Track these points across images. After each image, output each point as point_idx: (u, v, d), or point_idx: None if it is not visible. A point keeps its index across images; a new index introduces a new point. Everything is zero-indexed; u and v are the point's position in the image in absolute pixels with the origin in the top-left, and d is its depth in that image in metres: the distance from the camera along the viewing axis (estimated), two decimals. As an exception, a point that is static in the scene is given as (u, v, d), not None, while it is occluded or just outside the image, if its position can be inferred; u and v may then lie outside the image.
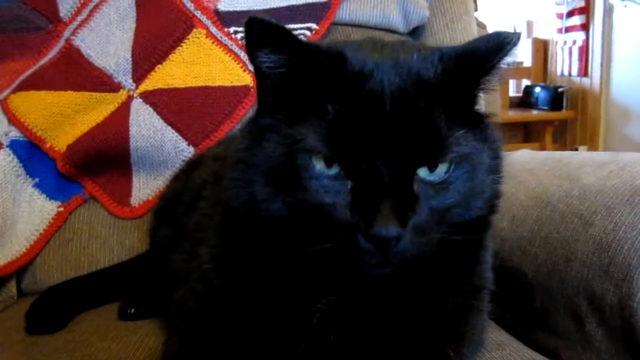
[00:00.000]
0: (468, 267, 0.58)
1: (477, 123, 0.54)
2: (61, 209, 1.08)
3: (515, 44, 0.52)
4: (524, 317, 0.75)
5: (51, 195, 1.09)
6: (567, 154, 0.88)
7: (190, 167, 0.92)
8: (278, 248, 0.53)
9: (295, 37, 0.50)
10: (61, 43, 1.16)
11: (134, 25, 1.16)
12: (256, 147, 0.53)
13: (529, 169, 0.85)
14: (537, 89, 4.22)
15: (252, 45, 0.51)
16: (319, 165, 0.49)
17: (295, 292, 0.54)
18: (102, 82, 1.12)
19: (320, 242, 0.49)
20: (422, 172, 0.50)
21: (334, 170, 0.49)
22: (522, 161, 0.92)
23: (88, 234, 1.08)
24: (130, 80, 1.13)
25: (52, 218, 1.07)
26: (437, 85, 0.50)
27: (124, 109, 1.11)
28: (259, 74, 0.53)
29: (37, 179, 1.09)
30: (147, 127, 1.10)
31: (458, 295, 0.57)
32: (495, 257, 0.65)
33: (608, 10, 3.74)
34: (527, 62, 4.49)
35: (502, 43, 0.51)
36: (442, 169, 0.50)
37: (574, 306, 0.67)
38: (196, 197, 0.77)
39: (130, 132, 1.09)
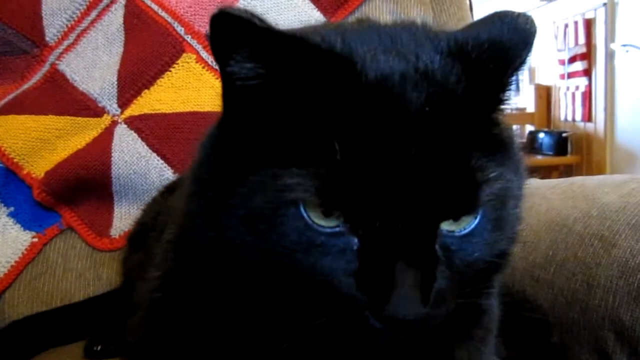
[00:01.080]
0: (477, 314, 0.49)
1: (505, 145, 0.42)
2: (35, 239, 1.00)
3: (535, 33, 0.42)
4: (539, 356, 0.66)
5: (26, 225, 1.02)
6: (579, 178, 0.81)
7: (168, 189, 0.85)
8: (249, 292, 0.42)
9: (285, 35, 0.38)
10: (46, 67, 1.11)
11: (121, 50, 1.11)
12: (225, 184, 0.40)
13: (539, 194, 0.78)
14: (541, 135, 4.19)
15: (222, 49, 0.39)
16: (313, 216, 0.37)
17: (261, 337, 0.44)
18: (86, 107, 1.07)
19: (312, 313, 0.38)
20: (446, 225, 0.39)
21: (333, 222, 0.38)
22: (531, 187, 0.85)
23: (63, 267, 1.00)
24: (115, 105, 1.07)
25: (26, 249, 1.00)
26: (464, 99, 0.39)
27: (107, 134, 1.05)
28: (227, 85, 0.41)
29: (12, 208, 1.02)
30: (131, 154, 1.03)
31: (466, 344, 0.48)
32: (504, 290, 0.57)
33: (610, 56, 3.75)
34: (530, 108, 4.49)
35: (525, 32, 0.41)
36: (470, 217, 0.40)
37: (599, 340, 0.58)
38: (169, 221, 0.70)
39: (112, 159, 1.03)
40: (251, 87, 0.39)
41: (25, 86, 1.10)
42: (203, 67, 1.11)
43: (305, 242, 0.38)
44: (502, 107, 0.42)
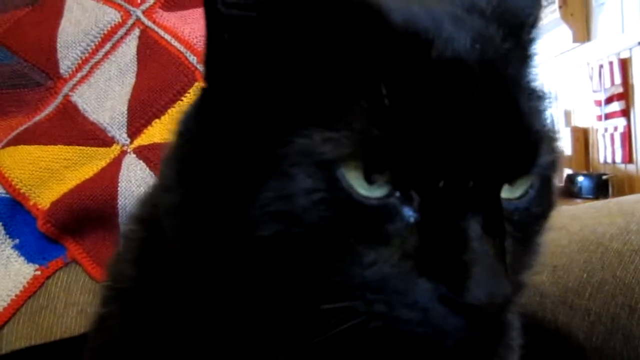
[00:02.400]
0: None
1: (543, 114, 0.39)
2: (38, 272, 0.96)
3: None
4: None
5: (30, 258, 0.98)
6: (614, 200, 0.73)
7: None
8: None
9: None
10: (59, 99, 1.10)
11: (133, 80, 1.10)
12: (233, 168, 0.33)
13: (570, 215, 0.70)
14: (580, 178, 4.04)
15: None
16: (352, 178, 0.30)
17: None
18: (94, 136, 1.05)
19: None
20: (504, 191, 0.34)
21: (381, 189, 0.31)
22: (562, 210, 0.77)
23: (65, 301, 0.95)
24: (125, 135, 1.05)
25: (27, 282, 0.96)
26: (504, 47, 0.35)
27: (115, 164, 1.02)
28: (217, 32, 0.33)
29: (17, 240, 0.99)
30: (138, 184, 1.00)
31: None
32: (534, 319, 0.49)
33: (647, 97, 3.63)
34: (567, 151, 4.36)
35: None
36: (525, 183, 0.36)
37: (646, 373, 0.49)
38: None
39: (118, 189, 0.99)
40: (253, 21, 0.31)
41: (38, 118, 1.09)
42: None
43: (345, 220, 0.30)
44: (532, 71, 0.39)
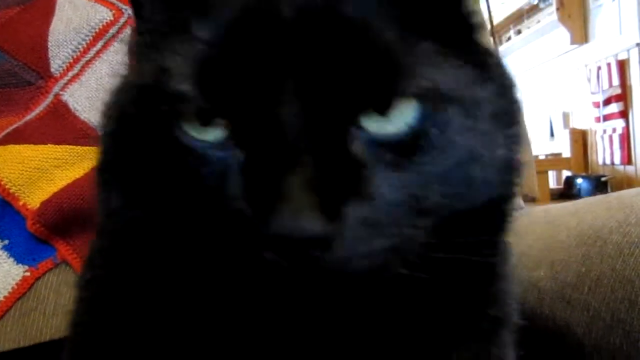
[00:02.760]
0: (479, 292, 0.38)
1: (465, 39, 0.36)
2: (27, 274, 0.95)
3: None
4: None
5: (19, 259, 0.96)
6: (613, 194, 0.71)
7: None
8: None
9: None
10: (49, 98, 1.09)
11: (125, 79, 1.09)
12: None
13: (568, 212, 0.69)
14: (579, 180, 4.03)
15: None
16: (189, 128, 0.33)
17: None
18: (85, 135, 1.03)
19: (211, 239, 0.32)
20: (369, 121, 0.31)
21: (215, 133, 0.32)
22: (558, 207, 0.76)
23: (54, 303, 0.93)
24: (116, 134, 1.03)
25: (16, 284, 0.94)
26: None
27: (107, 163, 1.01)
28: None
29: (6, 241, 0.97)
30: (130, 183, 0.98)
31: (468, 342, 0.37)
32: (531, 316, 0.47)
33: (645, 97, 3.62)
34: (566, 153, 4.35)
35: None
36: (404, 113, 0.32)
37: (648, 369, 0.47)
38: None
39: (110, 189, 0.97)
40: None
41: (29, 117, 1.07)
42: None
43: (184, 163, 0.33)
44: None
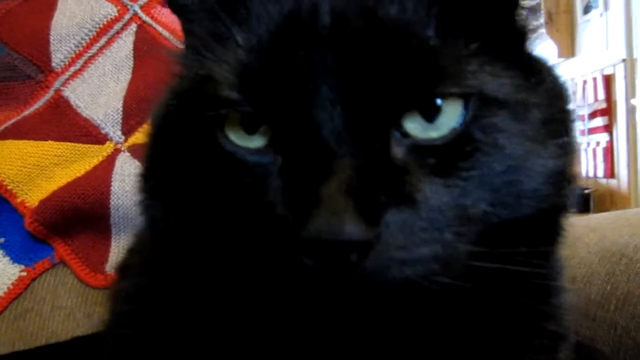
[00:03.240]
0: (533, 306, 0.37)
1: (515, 44, 0.35)
2: (24, 273, 0.92)
3: None
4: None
5: (16, 258, 0.93)
6: (631, 211, 0.71)
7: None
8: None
9: None
10: (50, 94, 1.06)
11: (129, 77, 1.06)
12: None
13: (585, 225, 0.69)
14: (562, 191, 4.07)
15: None
16: (233, 135, 0.33)
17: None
18: (88, 133, 1.01)
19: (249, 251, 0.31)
20: (412, 125, 0.31)
21: (257, 140, 0.32)
22: (575, 221, 0.76)
23: (51, 304, 0.91)
24: (119, 132, 1.01)
25: (12, 284, 0.91)
26: None
27: (109, 163, 0.99)
28: None
29: (2, 239, 0.94)
30: (132, 184, 0.96)
31: (526, 357, 0.37)
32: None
33: (631, 111, 3.68)
34: (550, 165, 4.41)
35: None
36: (448, 116, 0.31)
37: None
38: None
39: (111, 188, 0.95)
40: None
41: (27, 112, 1.04)
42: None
43: (228, 170, 0.33)
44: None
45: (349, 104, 0.30)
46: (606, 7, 3.82)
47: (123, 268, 0.73)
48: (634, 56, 3.64)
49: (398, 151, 0.31)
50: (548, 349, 0.37)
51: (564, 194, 0.37)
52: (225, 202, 0.33)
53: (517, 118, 0.33)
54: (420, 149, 0.31)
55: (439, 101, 0.31)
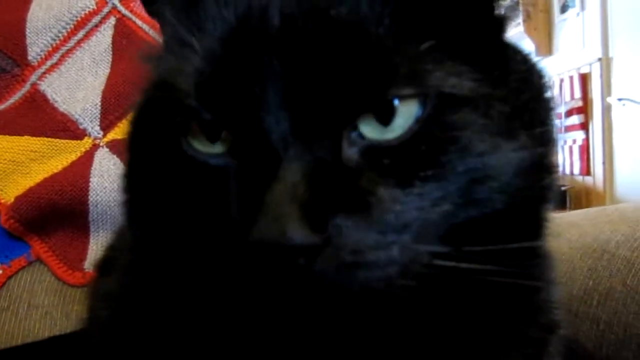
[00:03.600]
0: (520, 300, 0.37)
1: (486, 36, 0.34)
2: (-1, 271, 0.90)
3: None
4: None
5: (-10, 256, 0.91)
6: (610, 207, 0.72)
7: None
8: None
9: None
10: (26, 87, 1.03)
11: (107, 71, 1.04)
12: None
13: (567, 222, 0.69)
14: (539, 188, 4.13)
15: None
16: (197, 143, 0.33)
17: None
18: (65, 128, 0.98)
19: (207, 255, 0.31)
20: (367, 127, 0.30)
21: (218, 145, 0.32)
22: (556, 217, 0.76)
23: (28, 302, 0.89)
24: (98, 128, 0.99)
25: (-13, 282, 0.89)
26: None
27: (87, 158, 0.97)
28: None
29: (-24, 237, 0.92)
30: (111, 180, 0.94)
31: (517, 350, 0.36)
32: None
33: (607, 110, 3.74)
34: (527, 162, 4.46)
35: None
36: (405, 117, 0.30)
37: (663, 385, 0.48)
38: None
39: (90, 184, 0.93)
40: None
41: (2, 106, 1.01)
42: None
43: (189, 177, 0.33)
44: None
45: (296, 108, 0.29)
46: (583, 7, 3.88)
47: (102, 265, 0.72)
48: (610, 55, 3.71)
49: (351, 154, 0.30)
50: (538, 342, 0.37)
51: (542, 185, 0.35)
52: (192, 206, 0.33)
53: (480, 113, 0.32)
54: (375, 151, 0.30)
55: (394, 102, 0.30)
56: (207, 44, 0.33)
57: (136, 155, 0.38)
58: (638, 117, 3.50)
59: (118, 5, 1.07)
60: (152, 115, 0.36)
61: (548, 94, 0.37)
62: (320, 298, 0.29)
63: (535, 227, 0.37)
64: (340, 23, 0.30)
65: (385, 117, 0.30)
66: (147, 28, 1.05)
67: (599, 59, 3.75)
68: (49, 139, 0.98)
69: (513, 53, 0.37)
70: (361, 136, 0.30)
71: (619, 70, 3.68)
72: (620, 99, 3.62)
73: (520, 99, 0.34)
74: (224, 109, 0.31)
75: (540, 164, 0.35)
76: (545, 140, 0.35)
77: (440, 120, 0.30)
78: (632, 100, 3.54)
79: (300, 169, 0.29)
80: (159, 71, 0.36)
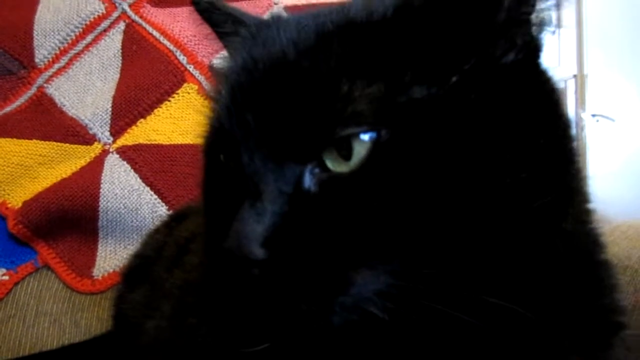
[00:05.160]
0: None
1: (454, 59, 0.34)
2: (6, 277, 0.88)
3: None
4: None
5: (-4, 261, 0.89)
6: (623, 224, 0.75)
7: (175, 219, 0.75)
8: None
9: None
10: (32, 90, 1.02)
11: (117, 76, 1.04)
12: None
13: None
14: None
15: None
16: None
17: None
18: (75, 133, 0.97)
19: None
20: (330, 160, 0.34)
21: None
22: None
23: (35, 310, 0.87)
24: (108, 133, 0.98)
25: (-7, 288, 0.87)
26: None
27: (97, 164, 0.96)
28: None
29: (-19, 242, 0.90)
30: (122, 186, 0.94)
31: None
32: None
33: (580, 126, 3.85)
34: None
35: None
36: (357, 149, 0.33)
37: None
38: (181, 252, 0.61)
39: (100, 191, 0.93)
40: None
41: (8, 109, 1.00)
42: (205, 99, 1.04)
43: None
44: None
45: (265, 148, 0.35)
46: (559, 25, 3.98)
47: (132, 274, 0.71)
48: (584, 72, 3.82)
49: (310, 184, 0.34)
50: (602, 344, 0.39)
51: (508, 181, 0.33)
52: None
53: (438, 141, 0.32)
54: (333, 181, 0.33)
55: (350, 139, 0.33)
56: (220, 103, 0.39)
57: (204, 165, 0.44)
58: (611, 133, 3.61)
59: (128, 10, 1.06)
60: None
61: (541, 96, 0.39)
62: (272, 306, 0.33)
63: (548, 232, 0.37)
64: (301, 76, 0.34)
65: (346, 151, 0.33)
66: (158, 34, 1.05)
67: (574, 76, 3.86)
68: (58, 143, 0.96)
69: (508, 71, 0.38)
70: (324, 169, 0.34)
71: (593, 87, 3.79)
72: (594, 115, 3.72)
73: (491, 115, 0.36)
74: (223, 144, 0.38)
75: (511, 164, 0.34)
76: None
77: (391, 149, 0.33)
78: (605, 117, 3.64)
79: (266, 197, 0.34)
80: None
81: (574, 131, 0.40)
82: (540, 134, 0.35)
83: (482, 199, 0.33)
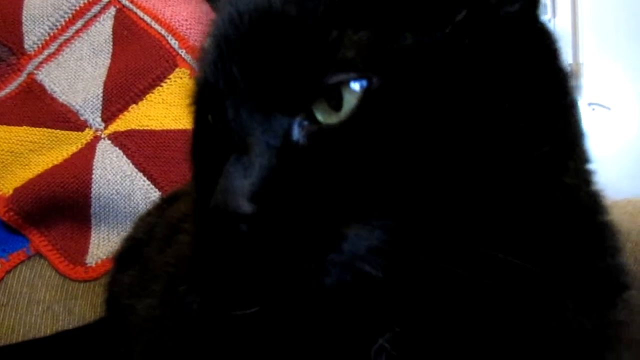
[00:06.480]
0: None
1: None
2: (-3, 265, 0.87)
3: None
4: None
5: (-13, 250, 0.88)
6: (622, 200, 0.74)
7: (166, 201, 0.74)
8: None
9: None
10: (22, 77, 1.00)
11: (108, 62, 1.02)
12: None
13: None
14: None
15: None
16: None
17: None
18: (66, 119, 0.96)
19: None
20: (319, 112, 0.32)
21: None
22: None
23: (28, 298, 0.86)
24: (99, 119, 0.97)
25: (-16, 277, 0.86)
26: None
27: (89, 150, 0.94)
28: None
29: (-28, 230, 0.89)
30: (114, 172, 0.92)
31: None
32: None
33: (577, 114, 3.85)
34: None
35: None
36: (347, 99, 0.32)
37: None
38: (173, 231, 0.59)
39: (92, 177, 0.91)
40: None
41: (-2, 96, 0.98)
42: (197, 82, 1.03)
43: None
44: None
45: (250, 100, 0.33)
46: (554, 14, 3.98)
47: (124, 257, 0.70)
48: (580, 61, 3.81)
49: (299, 137, 0.33)
50: (605, 304, 0.37)
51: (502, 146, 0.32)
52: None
53: (432, 91, 0.31)
54: (323, 133, 0.32)
55: (340, 88, 0.32)
56: (206, 59, 0.37)
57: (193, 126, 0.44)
58: (607, 121, 3.61)
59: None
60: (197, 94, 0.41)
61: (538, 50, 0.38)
62: (261, 265, 0.32)
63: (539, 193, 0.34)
64: (288, 22, 0.33)
65: (336, 102, 0.32)
66: (149, 19, 1.03)
67: (570, 65, 3.85)
68: (49, 129, 0.95)
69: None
70: (314, 121, 0.33)
71: (588, 75, 3.79)
72: (590, 104, 3.72)
73: (484, 67, 0.34)
74: (210, 101, 0.37)
75: (503, 125, 0.33)
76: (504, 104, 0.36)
77: (380, 99, 0.31)
78: (601, 105, 3.64)
79: (254, 151, 0.32)
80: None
81: (573, 84, 0.38)
82: (537, 84, 0.34)
83: (478, 149, 0.31)
